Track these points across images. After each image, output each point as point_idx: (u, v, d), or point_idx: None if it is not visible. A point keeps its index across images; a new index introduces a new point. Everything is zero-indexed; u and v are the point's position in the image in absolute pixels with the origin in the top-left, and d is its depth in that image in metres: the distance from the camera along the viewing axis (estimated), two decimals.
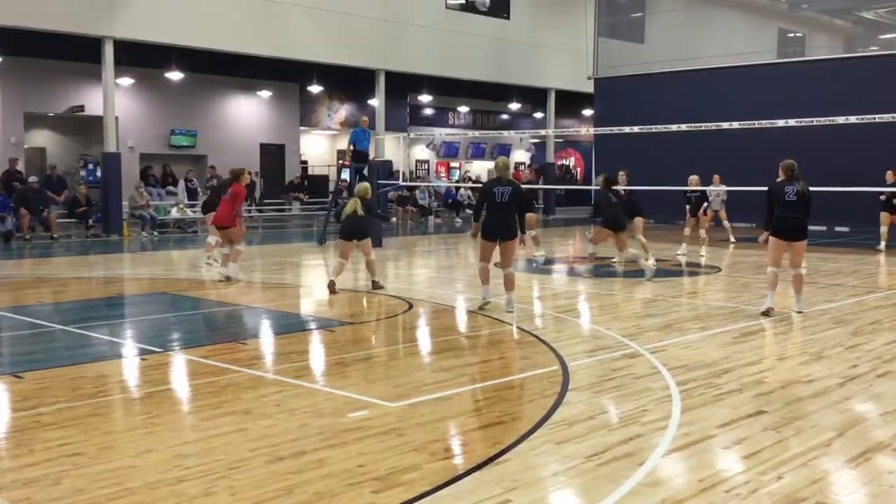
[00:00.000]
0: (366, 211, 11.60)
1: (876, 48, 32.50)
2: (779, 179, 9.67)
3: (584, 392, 6.22)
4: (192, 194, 25.27)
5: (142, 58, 23.32)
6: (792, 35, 38.21)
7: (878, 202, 17.37)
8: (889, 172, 16.68)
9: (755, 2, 35.32)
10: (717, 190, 18.13)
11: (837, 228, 22.20)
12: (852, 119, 13.66)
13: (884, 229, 17.08)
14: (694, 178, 16.43)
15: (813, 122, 14.71)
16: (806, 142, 20.47)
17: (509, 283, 9.80)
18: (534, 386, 6.52)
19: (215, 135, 27.81)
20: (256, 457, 4.79)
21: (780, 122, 15.17)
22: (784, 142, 20.43)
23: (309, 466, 4.63)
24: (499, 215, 9.77)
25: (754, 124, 15.74)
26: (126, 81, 24.72)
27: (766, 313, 9.55)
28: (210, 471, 4.56)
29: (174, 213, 23.62)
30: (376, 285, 11.69)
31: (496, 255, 9.98)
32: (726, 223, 19.07)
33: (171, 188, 25.19)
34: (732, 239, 18.85)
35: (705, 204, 16.93)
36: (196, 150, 27.43)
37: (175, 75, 25.27)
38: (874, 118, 13.61)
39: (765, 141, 20.27)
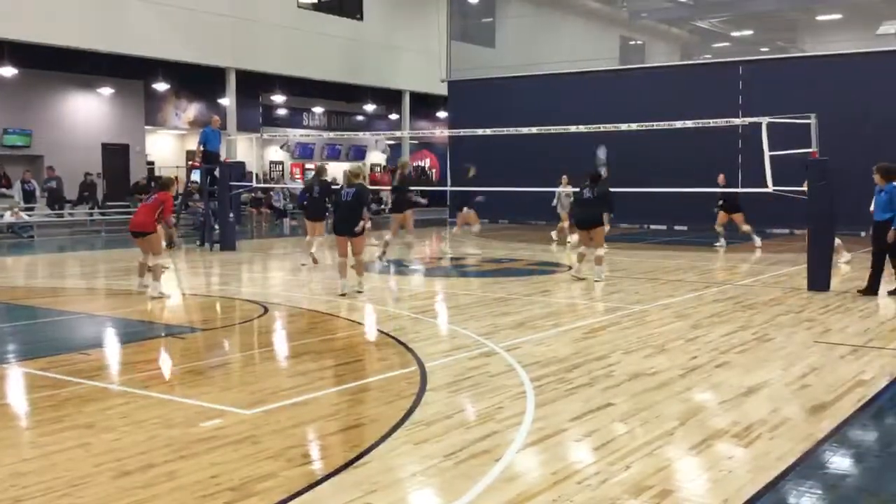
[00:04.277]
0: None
1: (709, 56, 34.47)
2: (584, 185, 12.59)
3: (442, 391, 6.27)
4: (29, 196, 23.82)
5: None
6: (633, 43, 40.06)
7: (714, 203, 18.29)
8: (721, 176, 17.61)
9: (598, 10, 36.78)
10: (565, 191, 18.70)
11: (676, 227, 23.41)
12: (689, 123, 14.41)
13: (719, 228, 18.04)
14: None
15: (653, 125, 15.42)
16: (646, 144, 21.49)
17: (359, 269, 11.29)
18: (392, 387, 6.51)
19: (53, 134, 26.32)
20: (101, 472, 4.55)
21: (624, 126, 15.82)
22: (627, 144, 21.39)
23: (158, 480, 4.44)
24: (342, 214, 11.07)
25: (599, 127, 16.33)
26: None
27: (578, 278, 12.60)
28: (50, 489, 4.30)
29: (7, 216, 22.16)
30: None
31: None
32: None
33: (4, 190, 23.65)
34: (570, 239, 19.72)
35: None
36: (31, 149, 25.91)
37: (7, 71, 23.76)
38: (708, 122, 14.40)
39: (611, 143, 21.09)
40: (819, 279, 11.55)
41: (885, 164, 10.95)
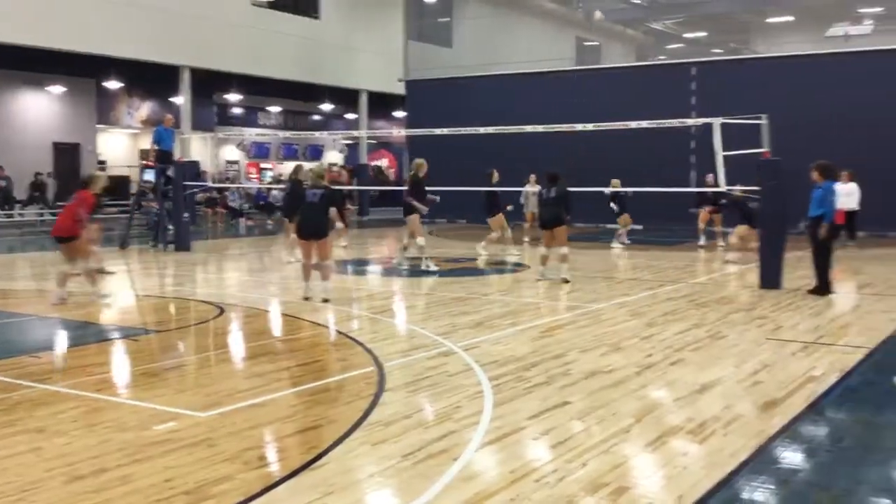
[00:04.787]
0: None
1: (664, 57, 34.90)
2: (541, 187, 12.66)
3: (400, 392, 6.26)
4: None
5: None
6: (589, 44, 40.40)
7: (679, 201, 18.25)
8: (710, 176, 17.50)
9: (555, 11, 37.03)
10: (532, 190, 18.36)
11: (632, 226, 23.61)
12: (644, 123, 14.56)
13: (702, 225, 18.04)
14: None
15: (609, 126, 15.55)
16: (602, 144, 21.68)
17: (325, 274, 10.65)
18: (350, 388, 6.49)
19: (2, 133, 25.92)
20: (53, 477, 4.47)
21: (579, 126, 15.92)
22: (583, 144, 21.55)
23: (111, 484, 4.38)
24: (310, 215, 10.50)
25: (557, 128, 16.43)
26: None
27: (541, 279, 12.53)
28: (2, 493, 4.22)
29: None
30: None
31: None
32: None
33: None
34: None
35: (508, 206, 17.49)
36: None
37: None
38: (663, 123, 14.57)
39: (568, 143, 21.24)
40: (770, 277, 11.75)
41: (823, 162, 11.14)
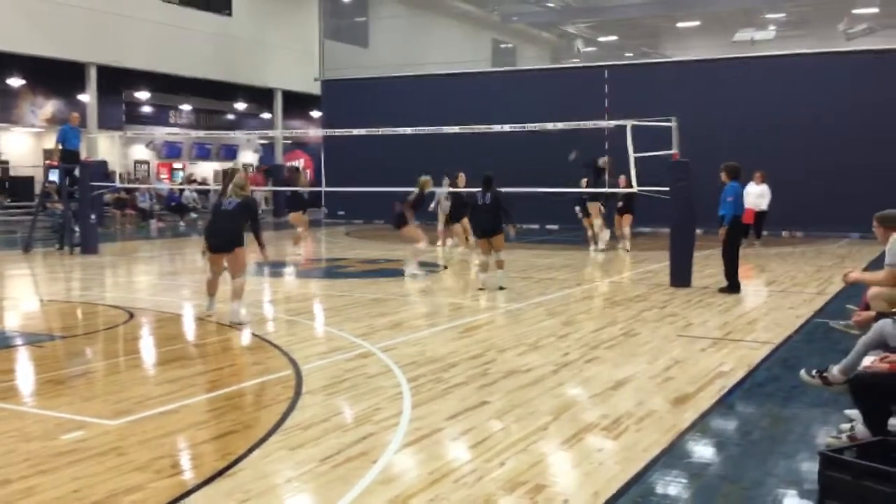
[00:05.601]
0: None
1: (577, 60, 35.49)
2: (478, 190, 12.05)
3: (318, 395, 6.19)
4: None
5: None
6: (504, 46, 40.81)
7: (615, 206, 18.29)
8: (622, 178, 17.42)
9: (471, 13, 37.24)
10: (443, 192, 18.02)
11: (548, 227, 23.98)
12: (559, 125, 14.77)
13: (627, 230, 17.74)
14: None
15: (525, 127, 15.72)
16: (518, 145, 21.92)
17: (236, 292, 9.22)
18: (267, 392, 6.39)
19: None
20: None
21: (497, 128, 16.06)
22: (499, 145, 21.75)
23: (15, 497, 4.20)
24: (219, 225, 9.41)
25: (474, 128, 16.52)
26: None
27: (482, 287, 11.93)
28: None
29: None
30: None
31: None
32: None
33: None
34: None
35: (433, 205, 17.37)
36: None
37: None
38: (577, 124, 14.79)
39: (484, 144, 21.40)
40: (681, 275, 12.07)
41: (731, 164, 11.47)
